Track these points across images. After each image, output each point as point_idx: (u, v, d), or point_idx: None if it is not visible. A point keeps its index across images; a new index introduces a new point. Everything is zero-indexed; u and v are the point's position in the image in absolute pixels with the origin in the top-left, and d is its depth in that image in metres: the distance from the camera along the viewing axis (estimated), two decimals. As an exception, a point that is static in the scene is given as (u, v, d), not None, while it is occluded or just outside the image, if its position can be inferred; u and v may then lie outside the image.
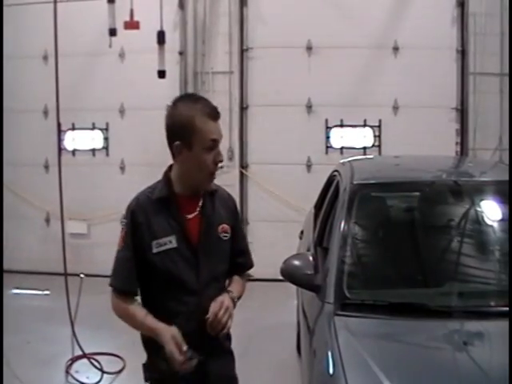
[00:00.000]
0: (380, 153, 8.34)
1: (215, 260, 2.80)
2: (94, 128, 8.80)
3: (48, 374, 5.59)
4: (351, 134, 8.41)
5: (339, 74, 8.24)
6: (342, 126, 8.42)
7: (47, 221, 8.90)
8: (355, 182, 4.09)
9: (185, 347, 2.59)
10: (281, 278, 3.63)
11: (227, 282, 2.91)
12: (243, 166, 8.58)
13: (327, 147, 8.47)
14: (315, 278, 3.52)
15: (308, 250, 4.63)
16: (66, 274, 5.82)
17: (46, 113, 8.69)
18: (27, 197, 8.84)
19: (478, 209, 3.91)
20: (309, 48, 8.41)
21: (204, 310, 2.66)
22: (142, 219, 2.72)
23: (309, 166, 8.49)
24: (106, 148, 8.85)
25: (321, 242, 4.31)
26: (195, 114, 2.67)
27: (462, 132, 8.29)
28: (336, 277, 3.38)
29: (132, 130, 8.63)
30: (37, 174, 8.84)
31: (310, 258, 3.66)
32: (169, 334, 2.61)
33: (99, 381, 5.39)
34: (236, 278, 2.94)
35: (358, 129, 8.39)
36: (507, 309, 3.03)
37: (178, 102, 2.79)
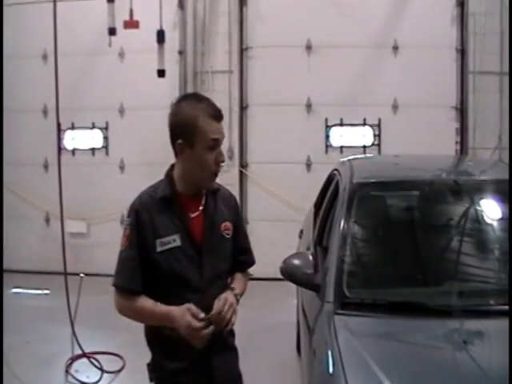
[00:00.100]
0: (380, 152, 8.35)
1: (218, 258, 2.82)
2: (93, 127, 8.80)
3: (48, 373, 5.59)
4: (351, 133, 8.42)
5: (339, 73, 8.25)
6: (341, 125, 8.42)
7: (47, 220, 8.90)
8: (355, 181, 4.08)
9: (202, 314, 2.62)
10: (280, 277, 3.63)
11: (229, 279, 2.92)
12: (243, 165, 8.59)
13: (327, 146, 8.47)
14: (315, 277, 3.52)
15: (308, 249, 4.63)
16: (65, 274, 5.82)
17: (45, 112, 8.69)
18: (27, 196, 8.85)
19: (478, 208, 3.90)
20: (308, 47, 8.41)
21: (208, 307, 2.67)
22: (145, 218, 2.72)
23: (308, 165, 8.49)
24: (105, 147, 8.85)
25: (320, 241, 4.31)
26: (198, 114, 2.68)
27: (462, 131, 8.29)
28: (336, 276, 3.37)
29: (132, 130, 8.63)
30: (36, 173, 8.84)
31: (310, 257, 3.66)
32: (183, 308, 2.63)
33: (99, 380, 5.39)
34: (238, 276, 2.95)
35: (357, 128, 8.40)
36: (507, 307, 3.03)
37: (182, 100, 2.81)
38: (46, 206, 8.64)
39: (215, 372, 2.78)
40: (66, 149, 8.63)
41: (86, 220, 8.77)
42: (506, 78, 7.91)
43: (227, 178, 6.86)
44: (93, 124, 8.78)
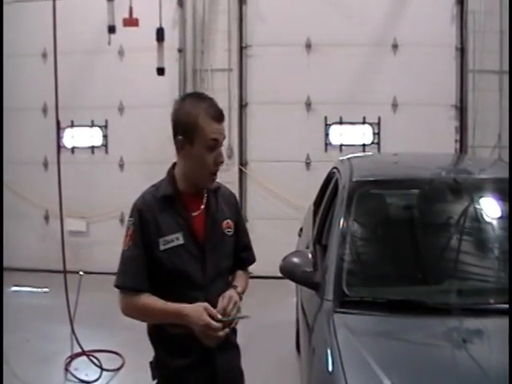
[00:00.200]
0: (379, 150, 8.34)
1: (220, 256, 2.84)
2: (93, 126, 8.80)
3: (47, 371, 5.59)
4: (350, 131, 8.42)
5: (338, 71, 8.24)
6: (341, 123, 8.42)
7: (46, 219, 8.90)
8: (354, 180, 4.08)
9: (219, 316, 2.65)
10: (280, 275, 3.63)
11: (230, 277, 2.94)
12: (242, 163, 8.59)
13: (326, 144, 8.47)
14: (314, 275, 3.52)
15: (307, 248, 4.63)
16: (65, 272, 5.83)
17: (45, 111, 8.68)
18: (26, 195, 8.84)
19: (477, 206, 3.90)
20: (308, 46, 8.41)
21: (211, 305, 2.68)
22: (149, 217, 2.73)
23: (308, 164, 8.49)
24: (105, 146, 8.85)
25: (320, 240, 4.31)
26: (199, 113, 2.71)
27: (461, 129, 8.29)
28: (335, 274, 3.37)
29: (131, 128, 8.63)
30: (36, 172, 8.84)
31: (309, 256, 3.66)
32: (200, 307, 2.64)
33: (98, 378, 5.39)
34: (240, 273, 2.97)
35: (357, 126, 8.40)
36: (506, 306, 3.03)
37: (185, 98, 2.87)
38: (45, 205, 8.64)
39: (218, 369, 2.79)
40: (65, 147, 8.63)
41: (86, 218, 8.76)
42: (506, 77, 7.90)
43: (227, 177, 6.84)
44: (92, 122, 8.78)
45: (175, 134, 2.76)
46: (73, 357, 5.68)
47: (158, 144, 8.03)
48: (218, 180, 2.89)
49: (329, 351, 2.89)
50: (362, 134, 8.41)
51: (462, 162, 5.62)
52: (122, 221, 8.43)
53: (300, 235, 5.75)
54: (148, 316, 2.76)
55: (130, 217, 2.77)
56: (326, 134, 8.46)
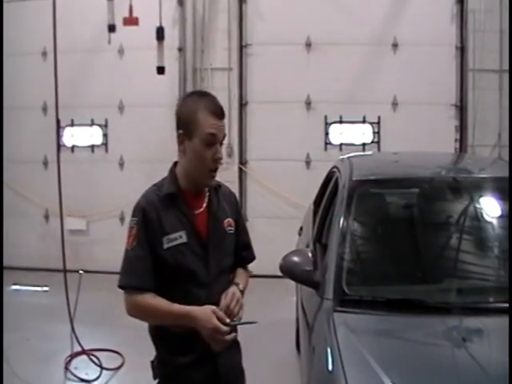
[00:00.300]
0: (379, 149, 8.34)
1: (223, 254, 2.86)
2: (92, 124, 8.80)
3: (47, 370, 5.59)
4: (350, 130, 8.42)
5: (338, 70, 8.24)
6: (341, 122, 8.42)
7: (46, 217, 8.90)
8: (354, 179, 4.08)
9: (227, 320, 2.66)
10: (280, 274, 3.64)
11: (231, 275, 2.95)
12: (242, 162, 8.59)
13: (326, 144, 8.47)
14: (314, 274, 3.53)
15: (307, 247, 4.63)
16: (65, 271, 5.82)
17: (45, 109, 8.68)
18: (26, 194, 8.84)
19: (477, 205, 3.91)
20: (308, 45, 8.40)
21: (215, 302, 2.70)
22: (152, 216, 2.74)
23: (308, 163, 8.49)
24: (105, 144, 8.84)
25: (320, 239, 4.31)
26: (198, 108, 2.74)
27: (461, 129, 8.29)
28: (335, 273, 3.38)
29: (131, 127, 8.63)
30: (36, 170, 8.84)
31: (309, 255, 3.66)
32: (208, 310, 2.65)
33: (98, 377, 5.40)
34: (240, 271, 2.99)
35: (357, 125, 8.39)
36: (506, 305, 3.03)
37: (189, 95, 2.99)
38: (45, 203, 8.64)
39: (220, 367, 2.80)
40: (65, 146, 8.63)
41: (86, 217, 8.76)
42: (506, 76, 7.90)
43: (226, 176, 6.85)
44: (92, 121, 8.78)
45: (177, 129, 2.80)
46: (73, 356, 5.68)
47: (157, 143, 8.04)
48: (217, 179, 2.90)
49: (329, 350, 2.90)
50: (361, 133, 8.41)
51: (462, 161, 5.63)
52: (122, 219, 8.44)
53: (300, 234, 5.75)
54: (154, 317, 2.75)
55: (133, 216, 2.77)
56: (326, 133, 8.46)
